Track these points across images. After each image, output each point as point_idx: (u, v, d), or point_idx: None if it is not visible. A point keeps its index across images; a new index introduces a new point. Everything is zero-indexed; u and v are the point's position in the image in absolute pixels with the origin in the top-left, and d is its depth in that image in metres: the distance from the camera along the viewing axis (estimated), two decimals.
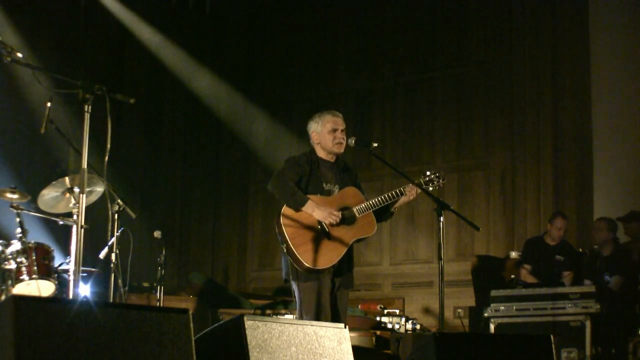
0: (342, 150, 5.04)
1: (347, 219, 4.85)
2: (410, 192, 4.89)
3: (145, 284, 8.04)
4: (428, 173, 4.97)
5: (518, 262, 7.65)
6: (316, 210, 4.77)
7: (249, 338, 3.37)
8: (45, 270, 5.68)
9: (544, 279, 7.18)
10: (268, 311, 8.07)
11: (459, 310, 8.19)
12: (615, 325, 6.62)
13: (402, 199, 4.93)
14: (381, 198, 4.88)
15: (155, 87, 10.15)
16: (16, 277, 5.56)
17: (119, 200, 5.37)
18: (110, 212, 4.97)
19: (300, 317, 4.78)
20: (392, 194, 4.89)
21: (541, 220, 8.53)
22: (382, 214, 5.02)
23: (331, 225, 4.79)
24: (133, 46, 9.65)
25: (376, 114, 9.89)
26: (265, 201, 10.25)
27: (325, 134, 4.99)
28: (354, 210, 4.87)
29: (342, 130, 5.01)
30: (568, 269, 7.26)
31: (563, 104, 8.71)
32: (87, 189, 4.43)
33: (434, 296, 8.41)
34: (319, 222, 4.79)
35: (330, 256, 4.78)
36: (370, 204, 4.87)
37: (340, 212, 4.83)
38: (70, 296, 4.57)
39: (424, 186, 4.92)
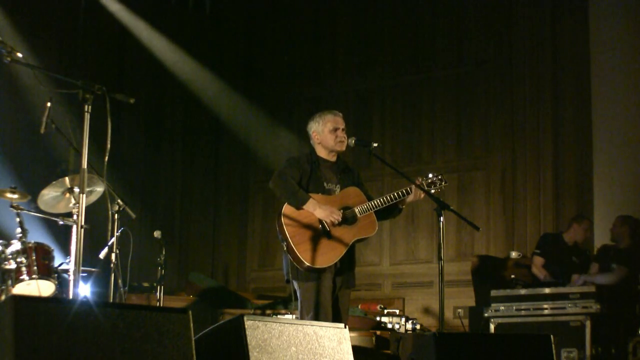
0: (344, 149, 5.04)
1: (348, 219, 4.85)
2: (417, 191, 4.87)
3: (145, 284, 8.04)
4: (430, 175, 4.96)
5: (532, 253, 7.62)
6: (317, 209, 4.77)
7: (249, 338, 3.37)
8: (45, 270, 5.68)
9: (557, 277, 7.15)
10: (268, 311, 8.07)
11: (459, 310, 8.19)
12: (615, 325, 6.62)
13: (410, 198, 4.92)
14: (383, 199, 4.87)
15: (155, 87, 10.14)
16: (16, 277, 5.55)
17: (119, 200, 5.38)
18: (110, 212, 4.97)
19: (302, 317, 4.79)
20: (394, 195, 4.87)
21: (541, 220, 8.53)
22: (391, 211, 5.01)
23: (332, 224, 4.79)
24: (133, 46, 9.64)
25: (376, 114, 9.89)
26: (265, 201, 10.25)
27: (327, 133, 5.00)
28: (356, 210, 4.87)
29: (342, 129, 5.03)
30: (579, 272, 7.23)
31: (563, 104, 8.71)
32: (87, 189, 4.43)
33: (434, 296, 8.42)
34: (320, 221, 4.79)
35: (330, 255, 4.78)
36: (371, 204, 4.87)
37: (342, 211, 4.83)
38: (70, 296, 4.56)
39: (426, 188, 4.90)
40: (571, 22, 8.76)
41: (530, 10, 8.94)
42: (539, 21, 8.89)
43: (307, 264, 4.71)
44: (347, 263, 4.94)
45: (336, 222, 4.78)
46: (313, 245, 4.75)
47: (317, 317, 4.69)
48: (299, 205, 4.79)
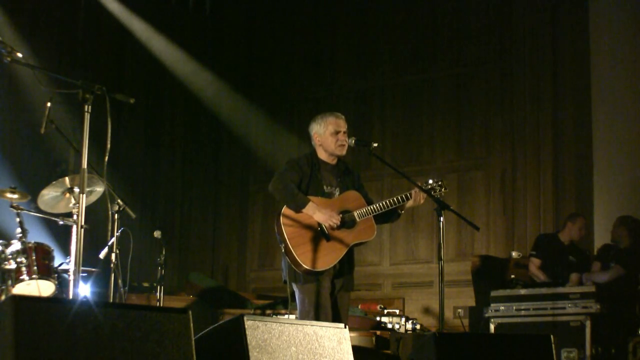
0: (344, 153, 5.03)
1: (348, 223, 4.85)
2: (417, 196, 4.87)
3: (145, 284, 8.04)
4: (430, 181, 4.95)
5: (528, 255, 7.63)
6: (317, 213, 4.76)
7: (249, 338, 3.37)
8: (45, 270, 5.68)
9: (555, 277, 7.15)
10: (268, 311, 8.07)
11: (459, 310, 8.19)
12: (615, 325, 6.62)
13: (409, 203, 4.90)
14: (382, 204, 4.86)
15: (155, 87, 10.15)
16: (16, 277, 5.55)
17: (119, 200, 5.38)
18: (110, 212, 4.97)
19: (301, 319, 4.77)
20: (393, 200, 4.86)
21: (541, 221, 8.53)
22: (390, 215, 5.01)
23: (331, 228, 4.78)
24: (133, 46, 9.65)
25: (376, 114, 9.89)
26: (265, 201, 10.25)
27: (328, 136, 4.98)
28: (355, 214, 4.86)
29: (344, 132, 5.01)
30: (577, 271, 7.24)
31: (563, 104, 8.71)
32: (87, 189, 4.44)
33: (434, 296, 8.41)
34: (319, 224, 4.79)
35: (328, 258, 4.77)
36: (371, 208, 4.86)
37: (341, 215, 4.82)
38: (70, 296, 4.56)
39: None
40: (571, 22, 8.76)
41: (530, 10, 8.93)
42: (539, 21, 8.89)
43: (305, 267, 4.70)
44: (346, 266, 4.93)
45: (335, 226, 4.77)
46: (311, 247, 4.74)
47: (317, 318, 4.68)
48: (298, 209, 4.77)
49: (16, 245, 5.63)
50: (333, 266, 4.81)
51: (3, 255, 5.59)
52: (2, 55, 4.01)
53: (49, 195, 5.69)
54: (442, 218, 4.56)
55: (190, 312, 3.12)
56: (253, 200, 10.61)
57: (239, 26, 10.93)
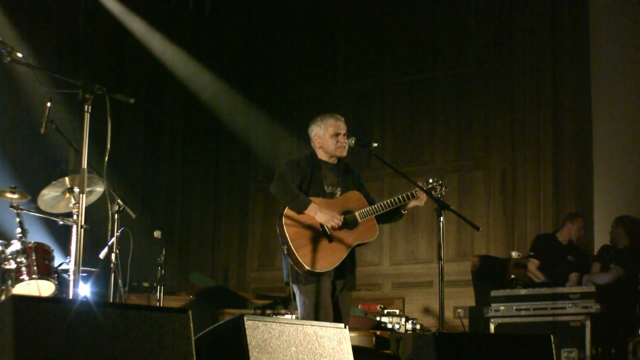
0: (344, 154, 5.00)
1: (349, 223, 4.84)
2: (421, 196, 4.85)
3: (145, 284, 8.04)
4: (430, 180, 4.94)
5: (527, 256, 7.63)
6: (319, 213, 4.75)
7: (249, 338, 3.37)
8: (45, 270, 5.68)
9: (554, 277, 7.16)
10: (268, 311, 8.07)
11: (459, 310, 8.19)
12: (615, 325, 6.62)
13: (413, 202, 4.89)
14: (384, 203, 4.85)
15: (155, 87, 10.15)
16: (16, 277, 5.55)
17: (119, 200, 5.38)
18: (110, 212, 4.96)
19: (302, 320, 4.77)
20: (395, 199, 4.85)
21: (541, 220, 8.54)
22: (393, 215, 4.99)
23: (333, 228, 4.78)
24: (133, 46, 9.65)
25: (376, 114, 9.89)
26: (265, 201, 10.25)
27: (328, 138, 4.97)
28: (356, 214, 4.85)
29: (344, 134, 4.99)
30: (576, 270, 7.24)
31: (563, 104, 8.72)
32: (87, 189, 4.44)
33: (434, 296, 8.41)
34: (321, 225, 4.78)
35: (330, 259, 4.77)
36: (373, 208, 4.85)
37: (343, 216, 4.82)
38: (70, 296, 4.56)
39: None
40: (571, 22, 8.76)
41: (530, 10, 8.94)
42: (539, 21, 8.89)
43: (307, 268, 4.70)
44: (348, 266, 4.92)
45: (337, 226, 4.77)
46: (313, 248, 4.73)
47: (317, 319, 4.68)
48: (300, 210, 4.76)
49: (16, 245, 5.64)
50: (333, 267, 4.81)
51: (3, 255, 5.59)
52: (2, 55, 4.01)
53: (49, 195, 5.69)
54: (442, 218, 4.56)
55: (190, 312, 3.12)
56: (253, 200, 10.61)
57: (239, 26, 10.93)
